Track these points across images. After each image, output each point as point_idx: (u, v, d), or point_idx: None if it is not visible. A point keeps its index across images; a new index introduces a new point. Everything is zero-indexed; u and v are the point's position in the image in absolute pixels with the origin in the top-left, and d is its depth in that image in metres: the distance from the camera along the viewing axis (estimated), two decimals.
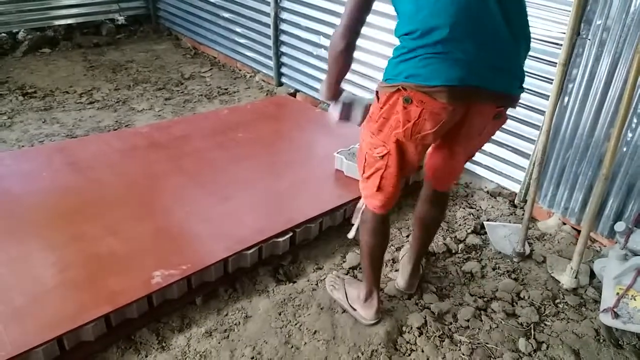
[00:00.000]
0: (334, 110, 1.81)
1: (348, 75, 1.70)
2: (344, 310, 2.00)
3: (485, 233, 2.53)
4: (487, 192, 2.89)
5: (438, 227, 2.03)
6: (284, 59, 4.12)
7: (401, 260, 2.22)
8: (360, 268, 2.26)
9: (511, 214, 2.71)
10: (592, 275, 2.26)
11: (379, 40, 3.19)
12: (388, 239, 1.87)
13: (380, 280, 1.97)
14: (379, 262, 1.88)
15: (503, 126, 2.69)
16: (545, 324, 2.03)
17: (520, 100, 1.63)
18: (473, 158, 2.91)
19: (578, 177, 2.45)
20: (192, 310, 1.99)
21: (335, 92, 1.76)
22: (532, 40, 2.42)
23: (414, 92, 1.40)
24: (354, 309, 1.96)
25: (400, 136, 1.50)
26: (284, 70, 4.18)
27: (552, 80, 2.21)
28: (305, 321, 1.96)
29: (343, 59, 1.58)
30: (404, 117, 1.45)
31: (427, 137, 1.49)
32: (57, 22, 5.09)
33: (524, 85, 1.56)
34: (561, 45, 2.18)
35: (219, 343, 1.86)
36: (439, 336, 1.93)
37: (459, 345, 1.91)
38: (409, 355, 1.86)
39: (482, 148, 2.82)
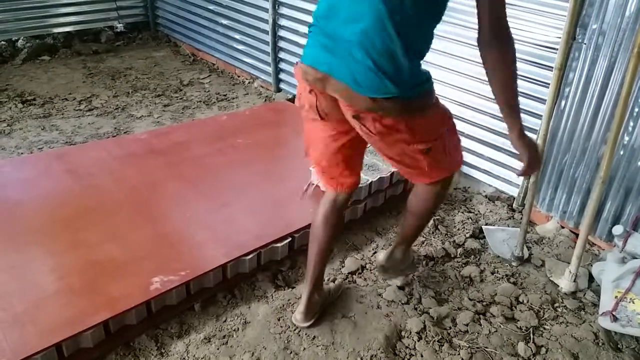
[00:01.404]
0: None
1: None
2: (343, 316, 2.00)
3: (484, 237, 2.54)
4: (486, 196, 2.90)
5: (420, 219, 1.93)
6: (283, 65, 4.13)
7: None
8: (359, 273, 2.27)
9: (509, 218, 2.71)
10: (591, 278, 2.26)
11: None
12: (330, 232, 1.83)
13: (314, 280, 1.91)
14: (316, 250, 1.85)
15: (501, 130, 2.72)
16: (545, 328, 2.03)
17: (512, 104, 1.58)
18: (470, 162, 2.90)
19: (576, 180, 2.45)
20: (191, 316, 1.99)
21: None
22: (527, 44, 2.47)
23: (297, 69, 1.60)
24: None
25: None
26: (282, 76, 4.19)
27: (549, 84, 2.22)
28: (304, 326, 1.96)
29: None
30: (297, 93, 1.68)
31: (308, 113, 1.63)
32: (56, 30, 5.11)
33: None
34: (557, 49, 2.19)
35: (218, 349, 1.86)
36: (438, 341, 1.93)
37: (458, 349, 1.91)
38: None
39: (480, 152, 2.86)
